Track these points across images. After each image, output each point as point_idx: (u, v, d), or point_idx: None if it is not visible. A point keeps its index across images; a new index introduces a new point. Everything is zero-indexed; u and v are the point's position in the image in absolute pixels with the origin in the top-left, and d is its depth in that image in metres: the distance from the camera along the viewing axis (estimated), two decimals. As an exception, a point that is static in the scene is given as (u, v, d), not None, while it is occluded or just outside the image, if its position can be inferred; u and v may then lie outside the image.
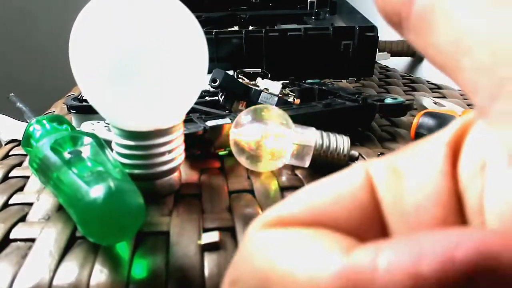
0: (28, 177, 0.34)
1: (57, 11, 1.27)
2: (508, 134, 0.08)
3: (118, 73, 0.25)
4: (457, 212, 0.09)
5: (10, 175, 0.35)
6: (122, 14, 0.25)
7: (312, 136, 0.33)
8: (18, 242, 0.25)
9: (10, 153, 0.39)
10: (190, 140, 0.32)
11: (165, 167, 0.29)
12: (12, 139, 0.43)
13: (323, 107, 0.41)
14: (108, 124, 0.39)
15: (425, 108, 0.47)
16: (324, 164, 0.34)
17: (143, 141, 0.28)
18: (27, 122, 0.36)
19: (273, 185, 0.32)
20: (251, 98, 0.44)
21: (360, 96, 0.43)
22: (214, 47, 0.56)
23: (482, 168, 0.09)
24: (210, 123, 0.36)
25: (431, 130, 0.37)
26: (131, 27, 0.25)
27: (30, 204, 0.30)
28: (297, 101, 0.48)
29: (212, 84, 0.43)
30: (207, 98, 0.48)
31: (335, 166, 0.34)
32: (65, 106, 0.47)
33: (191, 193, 0.31)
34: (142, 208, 0.23)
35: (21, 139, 0.33)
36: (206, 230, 0.26)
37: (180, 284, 0.22)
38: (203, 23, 0.67)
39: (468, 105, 0.54)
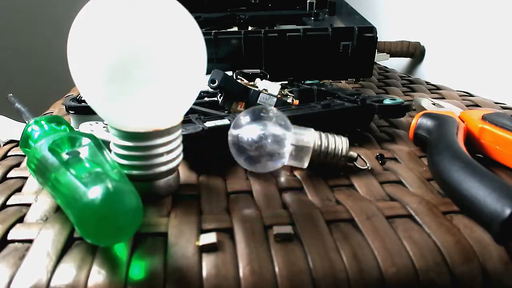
0: (26, 178, 0.34)
1: (56, 11, 1.27)
2: None
3: (116, 74, 0.25)
4: None
5: (8, 175, 0.35)
6: (120, 15, 0.25)
7: (310, 137, 0.33)
8: (16, 243, 0.25)
9: (8, 154, 0.39)
10: (188, 141, 0.32)
11: (163, 168, 0.29)
12: (11, 139, 0.43)
13: (322, 108, 0.41)
14: (106, 125, 0.39)
15: (424, 109, 0.47)
16: (322, 165, 0.34)
17: (141, 142, 0.28)
18: (25, 122, 0.36)
19: (272, 186, 0.32)
20: (250, 98, 0.44)
21: (359, 97, 0.43)
22: (213, 47, 0.56)
23: None
24: (209, 124, 0.36)
25: (429, 131, 0.37)
26: (129, 28, 0.25)
27: (28, 205, 0.29)
28: (296, 101, 0.48)
29: (211, 84, 0.43)
30: (206, 99, 0.48)
31: (333, 167, 0.34)
32: (64, 107, 0.47)
33: (190, 194, 0.31)
34: (140, 209, 0.23)
35: (19, 139, 0.33)
36: (204, 231, 0.26)
37: (178, 285, 0.22)
38: (202, 23, 0.68)
39: (467, 106, 0.54)
